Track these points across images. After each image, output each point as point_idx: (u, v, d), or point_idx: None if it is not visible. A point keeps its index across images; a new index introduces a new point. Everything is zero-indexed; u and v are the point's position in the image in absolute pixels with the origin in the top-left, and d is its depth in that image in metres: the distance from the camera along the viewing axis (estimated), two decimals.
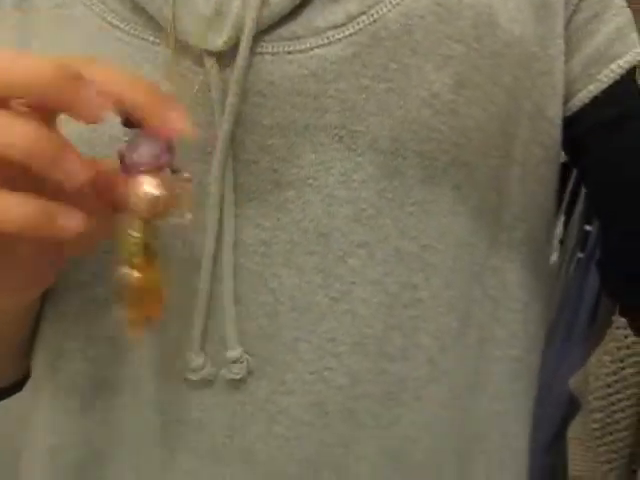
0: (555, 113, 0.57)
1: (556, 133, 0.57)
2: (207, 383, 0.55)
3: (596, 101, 0.56)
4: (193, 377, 0.54)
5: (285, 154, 0.52)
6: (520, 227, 0.58)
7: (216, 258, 0.53)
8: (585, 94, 0.56)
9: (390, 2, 0.51)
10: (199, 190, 0.52)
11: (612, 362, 1.67)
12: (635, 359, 1.65)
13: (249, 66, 0.51)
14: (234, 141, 0.51)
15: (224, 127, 0.51)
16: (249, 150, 0.52)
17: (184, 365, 0.54)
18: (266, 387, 0.55)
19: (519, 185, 0.56)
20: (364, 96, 0.51)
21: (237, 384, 0.55)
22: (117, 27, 0.53)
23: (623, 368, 1.66)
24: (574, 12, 0.55)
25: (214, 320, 0.54)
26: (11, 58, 0.39)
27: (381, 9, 0.51)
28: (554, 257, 1.77)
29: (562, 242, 1.81)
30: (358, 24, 0.51)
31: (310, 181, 0.52)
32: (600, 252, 0.62)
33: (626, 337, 1.62)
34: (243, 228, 0.53)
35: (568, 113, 0.57)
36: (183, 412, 0.55)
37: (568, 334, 1.78)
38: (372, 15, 0.51)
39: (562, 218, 1.80)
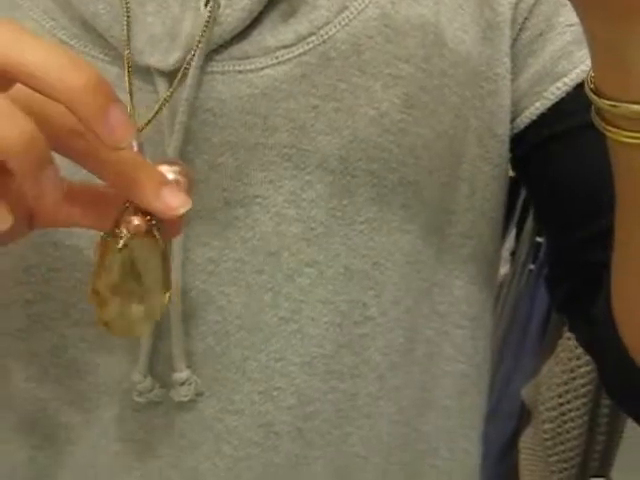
0: (503, 131, 0.57)
1: (504, 151, 0.58)
2: (155, 404, 0.55)
3: (543, 118, 0.56)
4: (140, 399, 0.54)
5: (234, 172, 0.52)
6: (468, 244, 0.58)
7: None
8: (532, 111, 0.56)
9: (339, 23, 0.51)
10: None
11: (563, 372, 1.69)
12: (585, 369, 1.67)
13: (199, 85, 0.51)
14: (183, 159, 0.51)
15: (173, 145, 0.51)
16: (199, 168, 0.52)
17: (131, 386, 0.54)
18: (215, 406, 0.55)
19: (467, 203, 0.57)
20: (313, 115, 0.51)
21: (185, 404, 0.54)
22: (67, 44, 0.52)
23: (574, 378, 1.68)
24: (520, 31, 0.56)
25: (161, 340, 0.54)
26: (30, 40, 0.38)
27: (330, 29, 0.51)
28: (505, 269, 1.79)
29: (513, 254, 1.82)
30: (308, 44, 0.51)
31: (259, 200, 0.52)
32: (547, 267, 0.62)
33: (577, 347, 1.64)
34: (191, 246, 0.53)
35: (516, 130, 0.58)
36: (130, 433, 0.55)
37: (520, 345, 1.80)
38: (321, 36, 0.51)
39: (513, 230, 1.82)
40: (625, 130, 0.41)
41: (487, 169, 0.57)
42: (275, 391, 0.54)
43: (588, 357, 1.62)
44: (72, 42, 0.52)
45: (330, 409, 0.56)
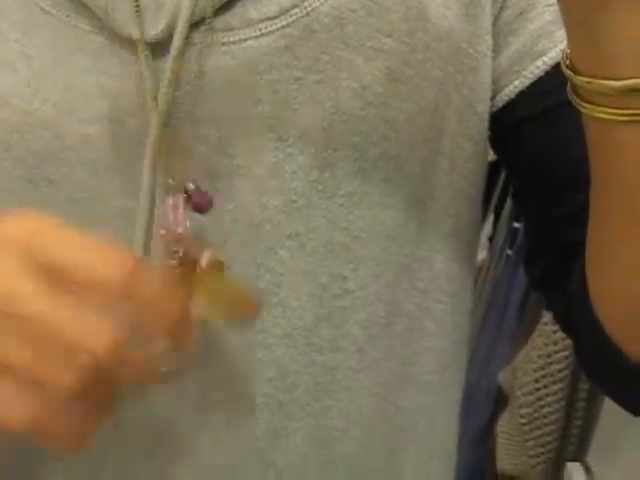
0: (483, 108, 0.58)
1: (484, 128, 0.58)
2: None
3: (522, 96, 0.57)
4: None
5: (217, 144, 0.52)
6: (448, 220, 0.59)
7: (146, 247, 0.53)
8: (511, 89, 0.57)
9: None
10: (130, 179, 0.52)
11: (540, 357, 1.70)
12: (563, 354, 1.68)
13: (182, 56, 0.51)
14: (167, 130, 0.51)
15: (156, 116, 0.51)
16: (182, 140, 0.52)
17: None
18: (196, 380, 0.55)
19: (447, 179, 0.57)
20: (296, 87, 0.52)
21: (166, 379, 0.55)
22: (49, 13, 0.52)
23: (550, 363, 1.69)
24: (501, 9, 0.56)
25: None
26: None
27: (313, 2, 0.51)
28: (483, 255, 1.80)
29: (491, 240, 1.83)
30: (291, 16, 0.51)
31: (242, 171, 0.53)
32: (525, 246, 0.63)
33: (554, 332, 1.65)
34: None
35: (495, 108, 0.58)
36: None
37: (497, 330, 1.81)
38: (305, 8, 0.51)
39: (491, 216, 1.83)
40: (599, 106, 0.42)
41: (467, 146, 0.58)
42: (256, 363, 0.55)
43: (565, 342, 1.63)
44: (54, 11, 0.52)
45: (310, 381, 0.56)
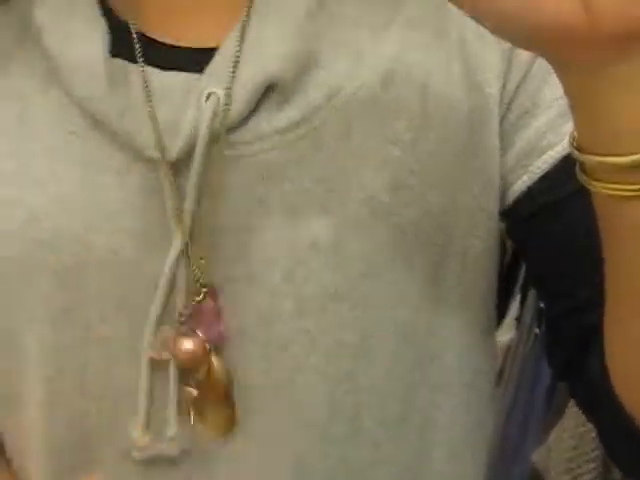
0: (492, 206, 0.60)
1: (494, 225, 0.61)
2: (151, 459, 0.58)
3: (531, 190, 0.58)
4: (138, 455, 0.57)
5: (234, 252, 0.56)
6: (459, 317, 0.61)
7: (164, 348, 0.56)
8: (520, 185, 0.59)
9: (330, 108, 0.55)
10: (153, 284, 0.56)
11: (571, 437, 1.70)
12: (593, 434, 1.68)
13: (204, 173, 0.55)
14: (186, 242, 0.55)
15: (180, 231, 0.55)
16: (202, 248, 0.55)
17: (131, 443, 0.57)
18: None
19: (458, 277, 0.60)
20: (306, 197, 0.55)
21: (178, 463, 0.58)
22: (77, 135, 0.57)
23: (583, 443, 1.69)
24: (507, 110, 0.59)
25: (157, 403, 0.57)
26: None
27: (322, 114, 0.55)
28: (511, 335, 1.80)
29: (518, 319, 1.84)
30: (301, 129, 0.55)
31: (256, 277, 0.56)
32: (546, 336, 0.64)
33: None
34: None
35: (506, 204, 0.60)
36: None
37: (528, 409, 1.80)
38: (313, 121, 0.55)
39: (518, 296, 1.84)
40: (608, 183, 0.43)
41: (477, 244, 0.60)
42: (274, 452, 0.57)
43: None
44: (81, 133, 0.56)
45: (325, 474, 0.58)
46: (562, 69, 0.42)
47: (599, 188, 0.43)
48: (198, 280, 0.56)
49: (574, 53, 0.39)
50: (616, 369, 0.52)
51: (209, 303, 0.56)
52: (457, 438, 0.63)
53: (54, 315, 0.57)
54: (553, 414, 1.76)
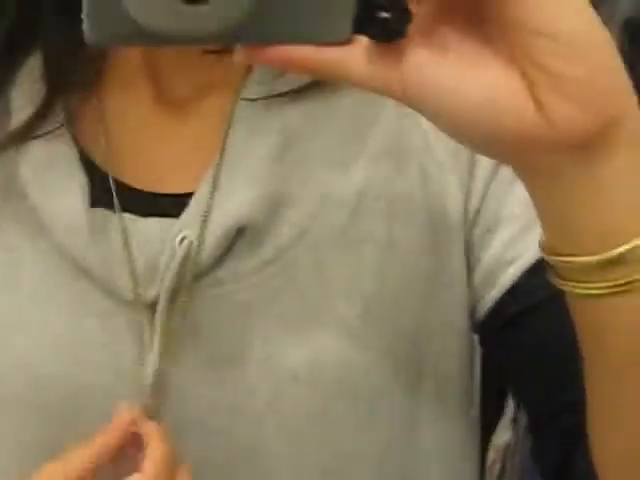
0: (462, 324, 0.62)
1: (465, 342, 0.63)
2: None
3: (500, 304, 0.61)
4: None
5: (216, 384, 0.58)
6: (438, 426, 0.63)
7: None
8: (488, 299, 0.61)
9: (301, 245, 0.58)
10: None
11: None
12: None
13: (176, 311, 0.58)
14: (165, 375, 0.58)
15: (151, 367, 0.58)
16: (181, 382, 0.58)
17: None
18: None
19: (433, 394, 0.62)
20: (283, 330, 0.58)
21: None
22: (65, 285, 0.60)
23: None
24: (471, 229, 0.61)
25: None
26: None
27: (293, 252, 0.58)
28: (507, 436, 1.81)
29: (515, 420, 1.85)
30: (274, 268, 0.58)
31: (240, 408, 0.58)
32: (532, 443, 0.66)
33: None
34: None
35: (477, 318, 0.63)
36: None
37: None
38: (286, 258, 0.58)
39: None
40: (578, 282, 0.44)
41: (449, 362, 0.63)
42: None
43: None
44: (70, 282, 0.59)
45: None
46: (524, 175, 0.44)
47: (571, 288, 0.45)
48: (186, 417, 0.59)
49: (535, 159, 0.41)
50: (599, 460, 0.52)
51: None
52: None
53: (46, 450, 0.59)
54: None
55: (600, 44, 0.39)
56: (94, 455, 0.56)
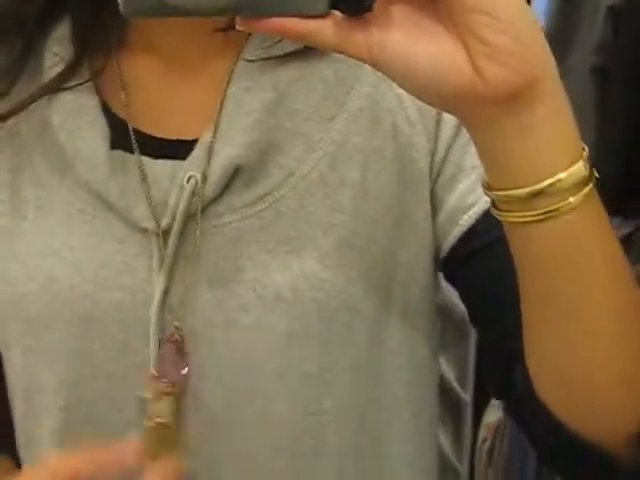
0: (427, 260, 0.74)
1: (429, 275, 0.75)
2: None
3: (462, 241, 0.71)
4: None
5: (212, 302, 0.69)
6: (404, 354, 0.74)
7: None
8: (451, 238, 0.72)
9: (288, 185, 0.69)
10: (145, 329, 0.69)
11: None
12: None
13: (184, 238, 0.69)
14: (171, 294, 0.69)
15: (160, 280, 0.68)
16: (184, 300, 0.69)
17: None
18: None
19: (401, 319, 0.73)
20: (270, 257, 0.68)
21: None
22: (85, 212, 0.71)
23: None
24: (437, 177, 0.72)
25: None
26: None
27: (281, 191, 0.69)
28: (498, 415, 1.90)
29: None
30: (264, 203, 0.69)
31: (234, 322, 0.69)
32: (482, 361, 0.76)
33: None
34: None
35: (442, 255, 0.73)
36: None
37: None
38: (274, 196, 0.69)
39: None
40: (512, 212, 0.54)
41: (416, 292, 0.74)
42: (253, 470, 0.71)
43: None
44: (89, 210, 0.71)
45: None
46: (467, 125, 0.55)
47: (506, 217, 0.55)
48: (177, 327, 0.69)
49: (474, 111, 0.52)
50: (538, 377, 0.63)
51: (172, 348, 0.69)
52: (409, 453, 0.76)
53: (68, 357, 0.71)
54: None
55: (524, 20, 0.50)
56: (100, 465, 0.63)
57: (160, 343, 0.69)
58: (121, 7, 0.50)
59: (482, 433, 2.00)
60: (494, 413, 1.95)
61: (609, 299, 0.58)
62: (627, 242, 1.72)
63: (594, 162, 0.56)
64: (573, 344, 0.59)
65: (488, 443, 1.98)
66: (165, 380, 0.68)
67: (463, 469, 2.40)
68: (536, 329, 0.61)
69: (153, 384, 0.69)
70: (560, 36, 1.25)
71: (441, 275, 0.77)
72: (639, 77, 1.09)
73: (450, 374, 2.61)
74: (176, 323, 0.68)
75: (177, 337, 0.69)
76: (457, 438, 2.60)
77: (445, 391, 2.71)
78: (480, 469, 2.04)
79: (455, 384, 2.55)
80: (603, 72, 1.13)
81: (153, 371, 0.69)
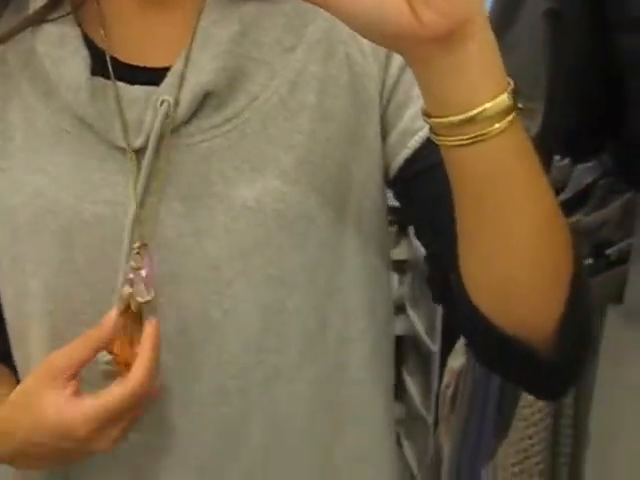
0: (378, 177, 0.82)
1: (381, 192, 0.84)
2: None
3: (409, 162, 0.80)
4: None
5: (184, 213, 0.77)
6: (357, 259, 0.83)
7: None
8: (400, 159, 0.80)
9: (252, 108, 0.77)
10: (112, 238, 0.78)
11: (517, 452, 1.86)
12: (538, 448, 1.84)
13: (158, 157, 0.77)
14: (146, 206, 0.77)
15: (138, 197, 0.77)
16: (157, 211, 0.77)
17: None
18: (179, 377, 0.80)
19: (355, 228, 0.82)
20: (237, 173, 0.77)
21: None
22: (69, 133, 0.79)
23: (527, 457, 1.85)
24: (387, 104, 0.80)
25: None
26: None
27: (246, 114, 0.77)
28: (462, 360, 1.98)
29: (468, 345, 2.02)
30: (231, 124, 0.77)
31: (204, 231, 0.77)
32: (428, 272, 0.84)
33: (527, 428, 1.82)
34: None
35: (392, 174, 0.82)
36: None
37: (480, 428, 1.97)
38: (241, 118, 0.77)
39: None
40: (448, 136, 0.62)
41: (369, 205, 0.83)
42: (223, 365, 0.80)
43: (540, 435, 1.80)
44: (73, 131, 0.78)
45: (261, 377, 0.80)
46: (408, 60, 0.63)
47: (443, 141, 0.63)
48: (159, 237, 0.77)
49: (414, 49, 0.59)
50: (468, 283, 0.71)
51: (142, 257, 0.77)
52: (369, 351, 0.85)
53: (53, 265, 0.79)
54: (500, 430, 1.92)
55: None
56: (93, 346, 0.76)
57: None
58: None
59: (446, 378, 2.08)
60: (457, 358, 2.03)
61: (527, 216, 0.66)
62: (586, 192, 1.82)
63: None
64: (494, 255, 0.68)
65: (451, 389, 2.07)
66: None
67: (429, 416, 2.49)
68: (467, 240, 0.69)
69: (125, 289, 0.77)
70: None
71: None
72: (587, 17, 1.19)
73: (420, 327, 2.71)
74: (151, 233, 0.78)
75: (141, 243, 0.77)
76: (426, 389, 2.70)
77: (416, 344, 2.81)
78: (444, 414, 2.13)
79: (425, 337, 2.65)
80: (555, 14, 1.23)
81: (125, 275, 0.77)
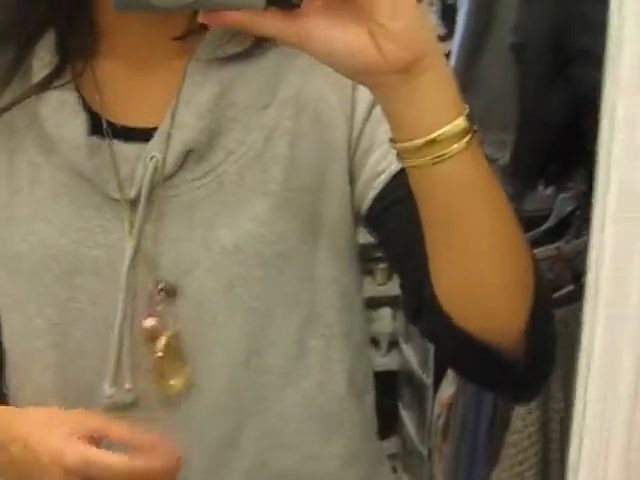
0: (348, 216, 0.90)
1: (352, 229, 0.92)
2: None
3: (377, 200, 0.87)
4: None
5: (172, 254, 0.86)
6: (333, 287, 0.92)
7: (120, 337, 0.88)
8: (368, 199, 0.88)
9: (229, 162, 0.86)
10: (112, 277, 0.86)
11: (509, 477, 1.92)
12: (529, 473, 1.90)
13: (149, 205, 0.86)
14: (140, 249, 0.86)
15: (133, 238, 0.86)
16: (150, 253, 0.86)
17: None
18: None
19: (330, 260, 0.91)
20: (217, 218, 0.86)
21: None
22: (69, 185, 0.88)
23: None
24: (354, 152, 0.89)
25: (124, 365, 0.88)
26: None
27: (224, 166, 0.86)
28: (452, 390, 2.05)
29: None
30: (210, 176, 0.86)
31: (190, 273, 0.86)
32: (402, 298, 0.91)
33: (518, 454, 1.88)
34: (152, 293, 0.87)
35: (364, 212, 0.90)
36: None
37: (472, 456, 2.02)
38: (218, 171, 0.86)
39: None
40: (410, 158, 0.70)
41: (341, 242, 0.92)
42: (218, 382, 0.89)
43: (531, 461, 1.86)
44: (71, 183, 0.87)
45: (254, 393, 0.90)
46: (375, 92, 0.71)
47: (408, 162, 0.71)
48: (154, 276, 0.86)
49: (378, 80, 0.67)
50: (440, 293, 0.78)
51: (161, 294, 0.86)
52: (347, 368, 0.94)
53: (58, 303, 0.88)
54: (493, 457, 1.98)
55: (412, 11, 0.66)
56: (127, 438, 0.82)
57: (131, 291, 0.86)
58: (113, 3, 0.63)
59: (436, 409, 2.15)
60: (447, 389, 2.10)
61: (487, 223, 0.74)
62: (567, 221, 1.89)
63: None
64: (463, 261, 0.75)
65: (443, 418, 2.13)
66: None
67: (424, 449, 2.54)
68: (436, 253, 0.77)
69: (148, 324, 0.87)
70: (482, 21, 1.46)
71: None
72: (549, 50, 1.29)
73: (414, 361, 2.77)
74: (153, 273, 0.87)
75: (163, 286, 0.86)
76: (422, 423, 2.75)
77: (410, 378, 2.87)
78: (436, 444, 2.19)
79: (419, 370, 2.71)
80: (520, 48, 1.33)
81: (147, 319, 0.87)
